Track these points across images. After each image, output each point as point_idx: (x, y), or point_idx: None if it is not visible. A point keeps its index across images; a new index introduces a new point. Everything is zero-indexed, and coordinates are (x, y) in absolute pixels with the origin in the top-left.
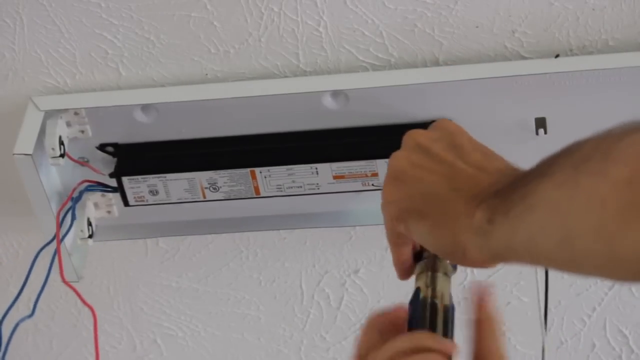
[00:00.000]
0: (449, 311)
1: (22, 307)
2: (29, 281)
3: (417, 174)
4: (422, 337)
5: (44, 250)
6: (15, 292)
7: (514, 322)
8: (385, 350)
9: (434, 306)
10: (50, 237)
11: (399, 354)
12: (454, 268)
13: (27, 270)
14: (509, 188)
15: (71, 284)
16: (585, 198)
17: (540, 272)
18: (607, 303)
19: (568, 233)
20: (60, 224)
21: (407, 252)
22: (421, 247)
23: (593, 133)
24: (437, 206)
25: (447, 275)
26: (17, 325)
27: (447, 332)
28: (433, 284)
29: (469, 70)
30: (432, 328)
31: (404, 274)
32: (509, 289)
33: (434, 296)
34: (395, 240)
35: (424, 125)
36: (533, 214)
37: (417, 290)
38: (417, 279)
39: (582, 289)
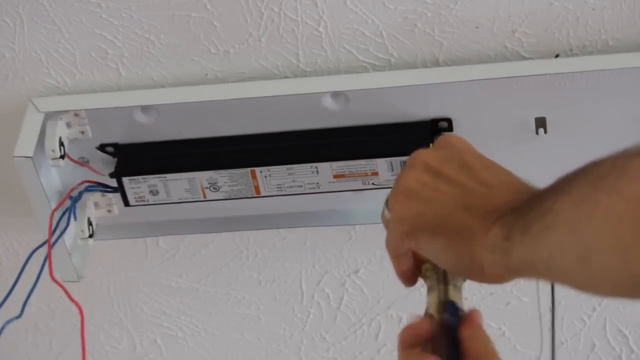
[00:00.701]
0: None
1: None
2: (28, 281)
3: (429, 195)
4: None
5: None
6: (15, 292)
7: (514, 322)
8: None
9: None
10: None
11: None
12: (463, 279)
13: (26, 270)
14: (526, 206)
15: (62, 282)
16: (602, 215)
17: None
18: (607, 303)
19: (586, 250)
20: (57, 223)
21: (408, 262)
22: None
23: (612, 152)
24: (450, 225)
25: (457, 286)
26: (3, 326)
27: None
28: (446, 297)
29: (469, 71)
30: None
31: (408, 282)
32: (509, 289)
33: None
34: (399, 253)
35: (425, 123)
36: (553, 233)
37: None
38: (428, 293)
39: None
